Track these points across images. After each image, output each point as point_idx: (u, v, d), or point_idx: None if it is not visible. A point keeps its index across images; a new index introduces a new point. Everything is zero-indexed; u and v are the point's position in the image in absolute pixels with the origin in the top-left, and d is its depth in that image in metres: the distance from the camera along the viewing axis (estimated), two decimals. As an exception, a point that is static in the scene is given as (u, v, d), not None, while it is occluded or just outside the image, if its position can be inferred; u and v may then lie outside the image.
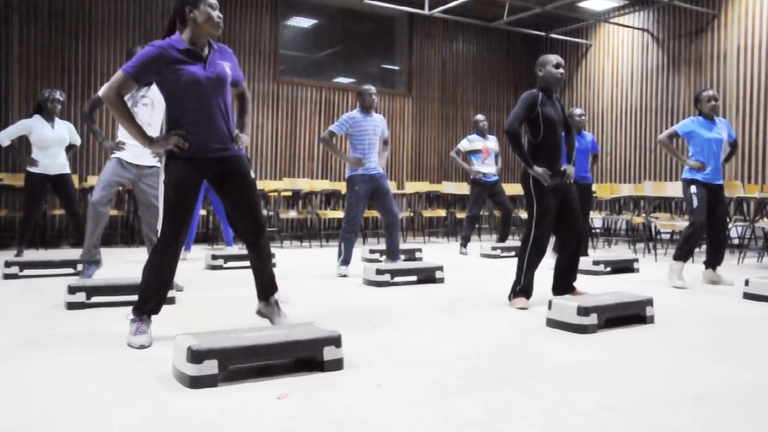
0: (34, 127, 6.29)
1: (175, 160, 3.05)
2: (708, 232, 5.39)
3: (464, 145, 8.20)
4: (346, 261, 5.76)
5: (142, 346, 2.99)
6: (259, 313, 3.41)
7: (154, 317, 3.18)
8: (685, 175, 5.39)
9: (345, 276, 5.71)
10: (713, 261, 5.44)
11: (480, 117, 8.26)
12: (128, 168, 4.60)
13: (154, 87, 4.49)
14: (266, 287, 3.36)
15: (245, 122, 3.35)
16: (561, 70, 4.26)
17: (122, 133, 4.61)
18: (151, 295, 3.11)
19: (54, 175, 6.33)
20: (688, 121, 5.42)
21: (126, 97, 4.34)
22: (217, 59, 3.12)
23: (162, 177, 3.09)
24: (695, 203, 5.24)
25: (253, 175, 3.28)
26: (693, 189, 5.28)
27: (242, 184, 3.19)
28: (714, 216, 5.31)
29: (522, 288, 4.26)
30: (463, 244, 8.16)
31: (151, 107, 4.54)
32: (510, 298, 4.31)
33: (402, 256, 6.70)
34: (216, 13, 3.04)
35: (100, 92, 4.47)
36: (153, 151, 3.09)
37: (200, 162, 3.07)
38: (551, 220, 4.27)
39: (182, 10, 3.03)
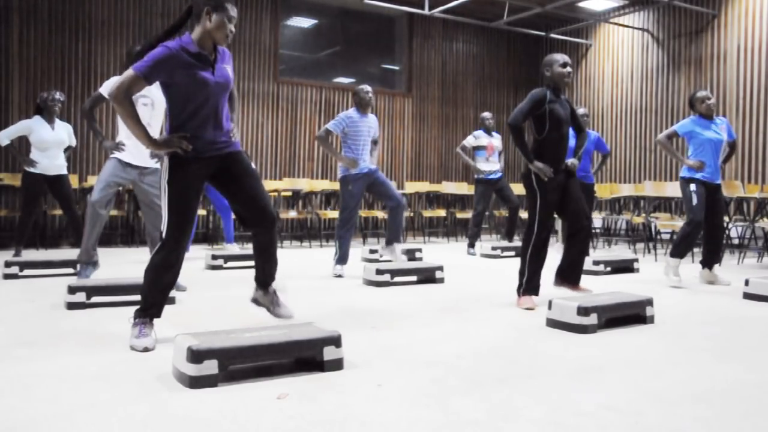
0: (34, 128, 6.31)
1: (179, 161, 3.02)
2: (705, 231, 5.40)
3: (470, 141, 8.18)
4: (342, 259, 5.73)
5: (146, 349, 2.97)
6: (255, 301, 3.34)
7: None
8: (684, 174, 5.40)
9: (340, 276, 5.69)
10: (710, 261, 5.46)
11: (487, 114, 8.25)
12: (128, 169, 4.51)
13: (154, 87, 4.48)
14: (267, 276, 3.31)
15: (234, 117, 3.37)
16: (568, 69, 4.23)
17: (122, 134, 4.52)
18: (153, 297, 3.09)
19: (52, 175, 6.35)
20: (687, 122, 5.41)
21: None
22: (223, 63, 3.14)
23: (164, 177, 3.05)
24: (695, 201, 5.25)
25: (254, 166, 3.28)
26: (693, 187, 5.29)
27: (245, 177, 3.17)
28: (712, 216, 5.32)
29: (528, 286, 4.23)
30: (471, 244, 8.12)
31: (151, 107, 4.45)
32: (518, 295, 4.28)
33: (404, 256, 6.70)
34: (230, 27, 3.02)
35: (104, 89, 4.40)
36: (155, 152, 3.04)
37: (204, 161, 3.07)
38: (552, 216, 4.26)
39: (200, 5, 2.98)
